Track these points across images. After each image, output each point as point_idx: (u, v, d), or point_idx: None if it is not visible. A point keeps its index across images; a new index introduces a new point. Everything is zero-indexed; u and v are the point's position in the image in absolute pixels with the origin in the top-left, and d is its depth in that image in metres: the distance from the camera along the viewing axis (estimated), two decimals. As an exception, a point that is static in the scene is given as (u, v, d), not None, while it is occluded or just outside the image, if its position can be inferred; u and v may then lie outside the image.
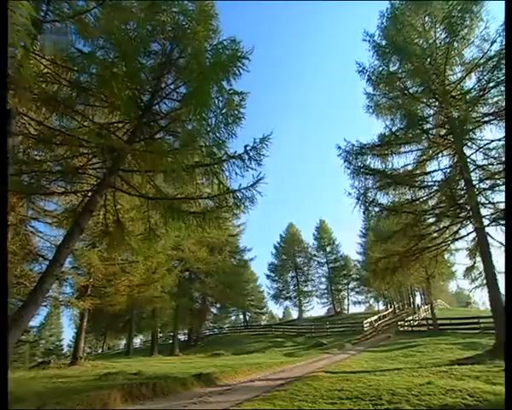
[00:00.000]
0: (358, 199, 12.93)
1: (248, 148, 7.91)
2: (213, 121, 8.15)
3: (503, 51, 11.39)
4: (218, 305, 38.26)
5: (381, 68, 13.68)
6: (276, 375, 10.90)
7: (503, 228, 11.93)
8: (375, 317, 30.54)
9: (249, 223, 38.98)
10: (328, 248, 46.59)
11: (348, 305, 47.51)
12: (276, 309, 74.42)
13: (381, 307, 45.89)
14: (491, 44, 11.97)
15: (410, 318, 29.89)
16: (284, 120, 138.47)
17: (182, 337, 39.47)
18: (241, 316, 47.18)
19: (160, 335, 43.98)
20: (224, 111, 8.19)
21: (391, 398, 5.79)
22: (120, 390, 7.10)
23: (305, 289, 45.91)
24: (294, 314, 50.95)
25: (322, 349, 21.19)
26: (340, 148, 13.35)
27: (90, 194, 7.93)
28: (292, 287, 45.44)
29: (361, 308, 48.92)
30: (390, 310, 37.64)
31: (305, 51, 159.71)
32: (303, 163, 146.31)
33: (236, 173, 8.25)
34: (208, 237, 24.09)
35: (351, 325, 30.47)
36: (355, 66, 13.95)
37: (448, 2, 12.37)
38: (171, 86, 8.59)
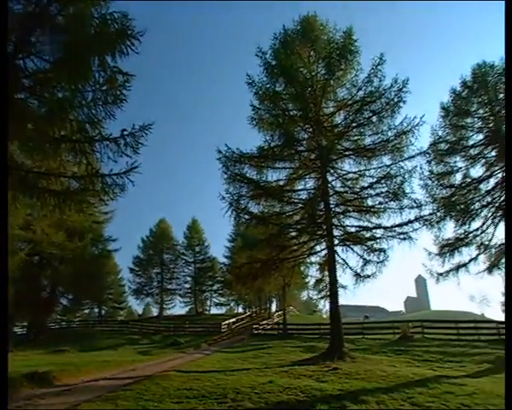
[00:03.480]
0: (231, 204, 13.31)
1: (126, 133, 7.44)
2: (90, 96, 7.42)
3: (365, 99, 13.47)
4: (71, 296, 34.34)
5: (268, 86, 14.51)
6: (125, 374, 10.33)
7: (348, 249, 13.91)
8: (234, 319, 31.80)
9: (118, 211, 36.27)
10: (197, 249, 46.68)
11: (210, 306, 48.43)
12: (137, 305, 71.06)
13: (241, 310, 48.21)
14: (358, 91, 13.96)
15: (265, 322, 32.02)
16: (169, 113, 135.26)
17: (19, 331, 34.09)
18: (96, 310, 43.37)
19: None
20: (104, 88, 7.51)
21: (235, 396, 6.09)
22: None
23: (169, 286, 45.02)
24: (155, 311, 49.44)
25: (178, 348, 20.95)
26: (220, 152, 13.60)
27: None
28: (155, 283, 43.97)
29: (222, 310, 50.39)
30: (248, 313, 39.75)
31: (202, 50, 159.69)
32: (184, 160, 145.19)
33: (109, 157, 7.69)
34: (68, 221, 21.50)
35: (209, 325, 30.96)
36: (246, 77, 14.50)
37: (330, 44, 13.96)
38: (45, 45, 7.49)
